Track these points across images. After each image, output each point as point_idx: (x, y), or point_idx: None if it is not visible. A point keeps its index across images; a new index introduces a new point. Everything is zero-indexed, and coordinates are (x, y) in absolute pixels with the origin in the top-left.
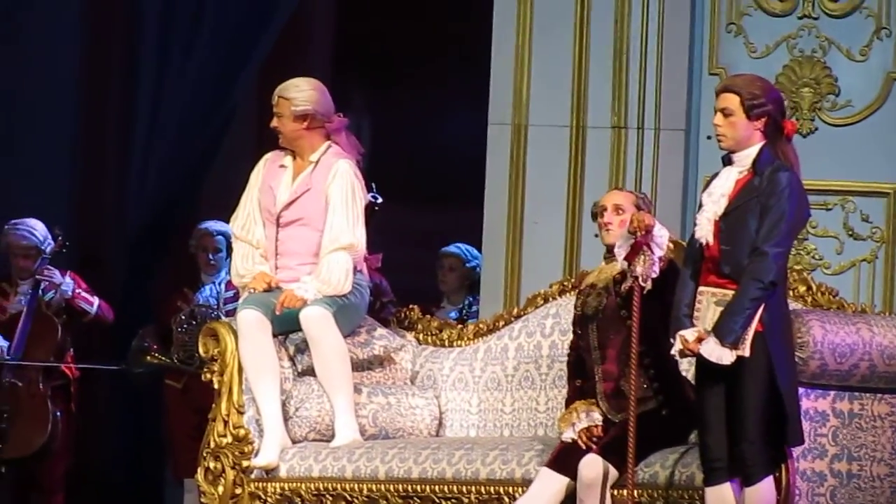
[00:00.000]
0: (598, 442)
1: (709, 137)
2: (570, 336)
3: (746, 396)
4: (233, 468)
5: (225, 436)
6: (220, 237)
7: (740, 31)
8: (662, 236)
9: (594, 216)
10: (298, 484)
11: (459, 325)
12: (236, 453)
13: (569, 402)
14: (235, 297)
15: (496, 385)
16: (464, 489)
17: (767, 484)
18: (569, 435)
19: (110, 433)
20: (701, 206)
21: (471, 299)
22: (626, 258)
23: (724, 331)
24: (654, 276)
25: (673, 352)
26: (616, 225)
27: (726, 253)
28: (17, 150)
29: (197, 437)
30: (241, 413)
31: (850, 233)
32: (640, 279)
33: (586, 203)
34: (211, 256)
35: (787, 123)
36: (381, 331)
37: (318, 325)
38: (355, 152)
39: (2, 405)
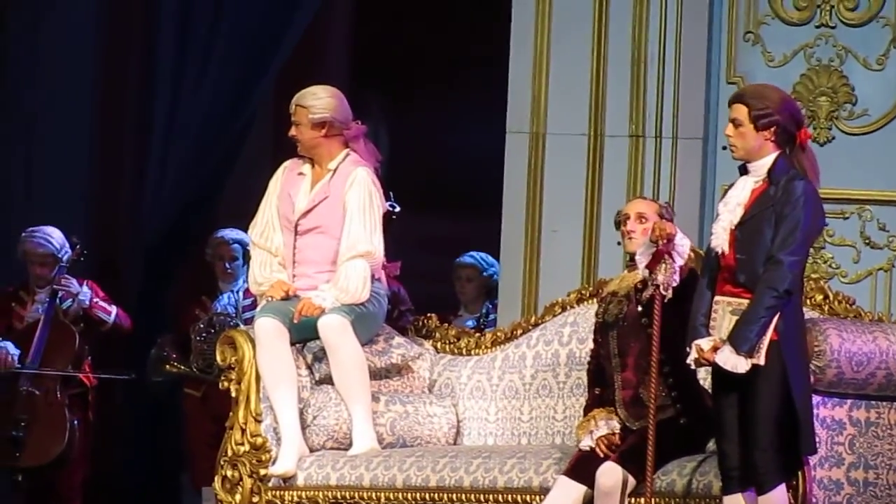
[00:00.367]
0: (616, 450)
1: (724, 148)
2: (588, 344)
3: (760, 405)
4: (250, 476)
5: (242, 444)
6: (236, 245)
7: (758, 39)
8: (684, 245)
9: (617, 224)
10: (316, 492)
11: (477, 334)
12: (254, 461)
13: (587, 409)
14: (253, 306)
15: (514, 393)
16: (481, 498)
17: (780, 492)
18: (587, 443)
19: (128, 442)
20: (718, 215)
21: (488, 307)
22: (647, 266)
23: (740, 339)
24: (675, 284)
25: (688, 361)
26: (639, 233)
27: (742, 262)
28: (35, 158)
29: (216, 446)
30: (258, 421)
31: (867, 241)
32: (661, 287)
33: (604, 211)
34: (227, 265)
35: (801, 132)
36: (398, 339)
37: (336, 333)
38: (373, 160)
39: (19, 414)
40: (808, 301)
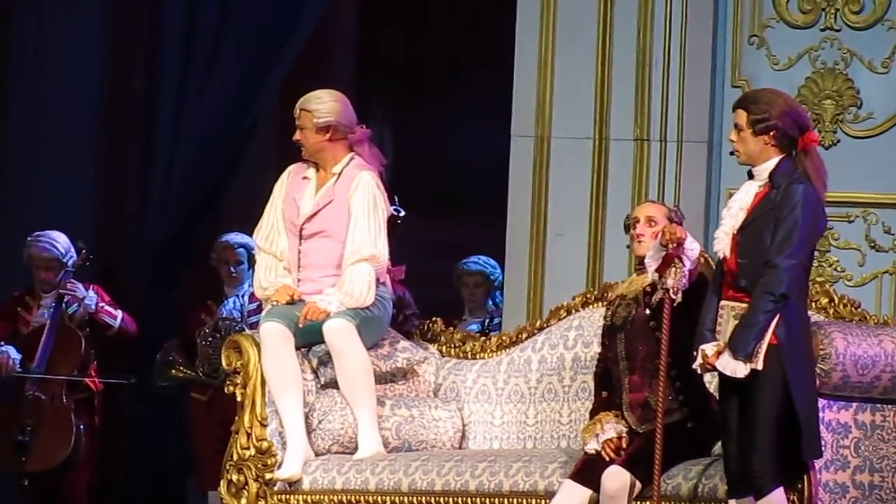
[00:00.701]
0: (622, 453)
1: (731, 153)
2: (594, 348)
3: (758, 408)
4: (256, 481)
5: (248, 448)
6: (241, 250)
7: (763, 43)
8: (693, 249)
9: (626, 227)
10: (321, 496)
11: (482, 338)
12: (259, 466)
13: (594, 413)
14: (259, 310)
15: (519, 397)
16: (487, 501)
17: (778, 496)
18: (592, 446)
19: (134, 446)
20: (721, 220)
21: (492, 310)
22: (656, 270)
23: (738, 344)
24: (684, 288)
25: (694, 366)
26: (648, 237)
27: (743, 266)
28: (40, 162)
29: (222, 450)
30: (263, 425)
31: (872, 245)
32: (670, 291)
33: (609, 215)
34: (232, 269)
35: (805, 136)
36: (404, 343)
37: (341, 337)
38: (378, 164)
39: (25, 418)
40: (813, 304)
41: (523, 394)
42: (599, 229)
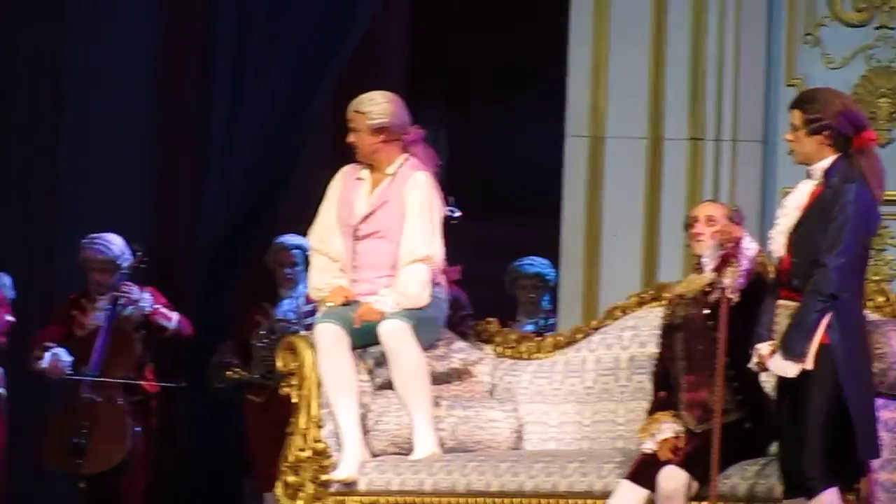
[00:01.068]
0: (679, 453)
1: (789, 152)
2: (650, 348)
3: (809, 408)
4: (312, 482)
5: (304, 450)
6: (296, 251)
7: (817, 41)
8: (751, 249)
9: (685, 226)
10: (377, 497)
11: (538, 338)
12: (315, 467)
13: (651, 412)
14: (314, 311)
15: (575, 397)
16: (543, 502)
17: (830, 496)
18: (649, 445)
19: (190, 448)
20: (776, 219)
21: (547, 311)
22: (714, 269)
23: (788, 344)
24: (741, 288)
25: (750, 365)
26: (707, 236)
27: (796, 265)
28: (94, 165)
29: (277, 452)
30: (319, 427)
31: None
32: (727, 291)
33: (663, 214)
34: (288, 271)
35: (861, 136)
36: (459, 344)
37: (397, 338)
38: (432, 164)
39: (81, 421)
40: (868, 303)
41: (579, 394)
42: (654, 229)
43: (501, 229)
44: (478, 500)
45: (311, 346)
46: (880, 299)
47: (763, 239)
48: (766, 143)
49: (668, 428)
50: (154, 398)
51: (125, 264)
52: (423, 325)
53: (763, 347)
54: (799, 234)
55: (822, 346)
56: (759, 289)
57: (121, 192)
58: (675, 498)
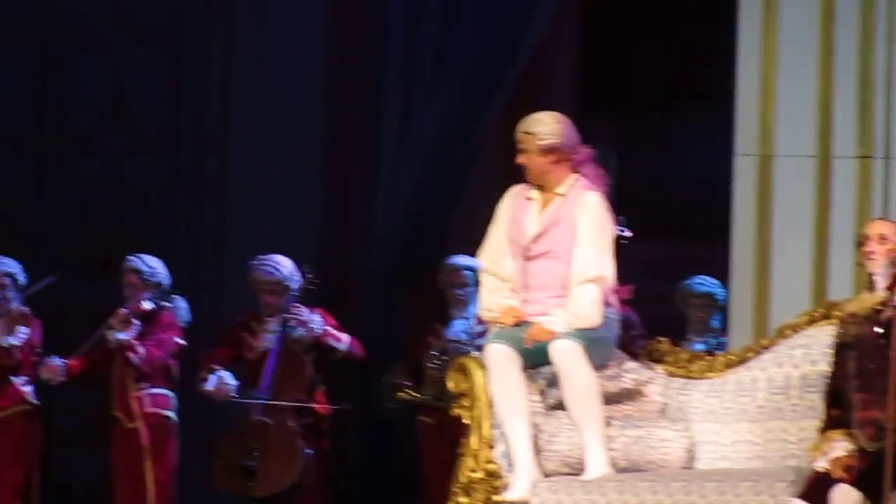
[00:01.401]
0: (852, 472)
1: None
2: (821, 367)
3: None
4: (484, 503)
5: (476, 471)
6: (467, 272)
7: None
8: None
9: (857, 245)
10: None
11: (709, 357)
12: (487, 488)
13: (823, 430)
14: (486, 332)
15: (747, 416)
16: None
17: None
18: (821, 464)
19: (362, 470)
20: None
21: (717, 330)
22: (887, 288)
23: None
24: None
25: None
26: (879, 254)
27: None
28: (264, 188)
29: (450, 473)
30: (491, 448)
31: None
32: None
33: (833, 233)
34: (459, 291)
35: None
36: (630, 363)
37: (569, 358)
38: (602, 184)
39: (252, 443)
40: None
41: (751, 413)
42: (824, 247)
43: (671, 248)
44: None
45: (483, 366)
46: None
47: None
48: None
49: (840, 446)
50: (325, 420)
51: (294, 286)
52: (595, 346)
53: None
54: None
55: None
56: None
57: (290, 213)
58: None
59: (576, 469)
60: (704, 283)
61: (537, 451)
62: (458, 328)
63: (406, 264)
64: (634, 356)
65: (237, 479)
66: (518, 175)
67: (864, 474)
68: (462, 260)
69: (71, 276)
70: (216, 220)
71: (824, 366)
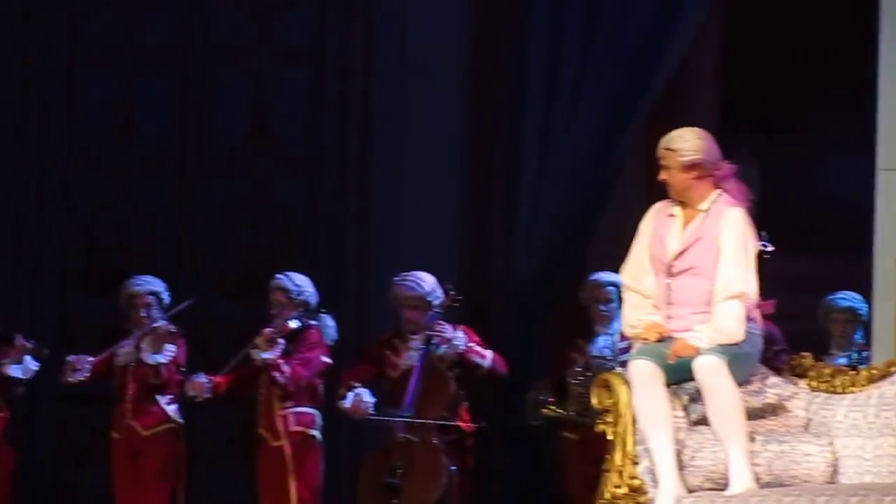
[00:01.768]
0: None
1: None
2: None
3: None
4: None
5: (620, 486)
6: (611, 288)
7: None
8: None
9: None
10: None
11: (852, 372)
12: None
13: None
14: (629, 348)
15: (890, 430)
16: None
17: None
18: None
19: (506, 487)
20: None
21: (860, 345)
22: None
23: None
24: None
25: None
26: None
27: None
28: (406, 206)
29: (594, 489)
30: (635, 464)
31: None
32: None
33: None
34: (603, 307)
35: None
36: (773, 378)
37: (712, 374)
38: (744, 199)
39: (396, 461)
40: None
41: (894, 427)
42: None
43: (813, 263)
44: None
45: (627, 382)
46: None
47: None
48: None
49: None
50: (469, 437)
51: (436, 302)
52: (738, 361)
53: None
54: None
55: None
56: None
57: (432, 231)
58: None
59: (719, 484)
60: (846, 298)
61: (681, 466)
62: (601, 344)
63: (549, 281)
64: (777, 371)
65: (381, 496)
66: (660, 191)
67: None
68: (605, 276)
69: (214, 295)
70: (358, 239)
71: None
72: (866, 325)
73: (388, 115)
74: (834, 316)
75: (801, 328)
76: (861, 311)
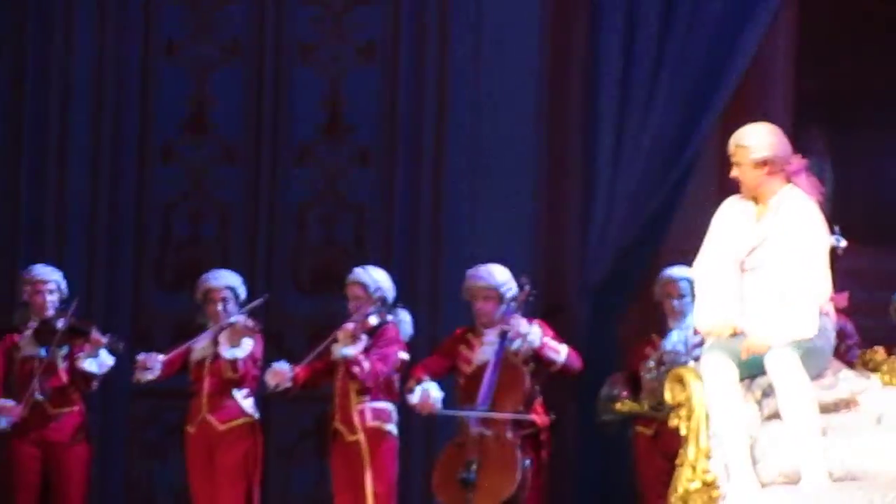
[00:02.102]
0: None
1: None
2: None
3: None
4: None
5: (693, 481)
6: (684, 283)
7: None
8: None
9: None
10: None
11: None
12: (705, 498)
13: None
14: (702, 343)
15: None
16: None
17: None
18: None
19: (579, 481)
20: None
21: None
22: None
23: None
24: None
25: None
26: None
27: None
28: (479, 201)
29: (667, 484)
30: (708, 458)
31: None
32: None
33: None
34: (676, 302)
35: None
36: (846, 373)
37: (785, 368)
38: (816, 194)
39: (470, 456)
40: None
41: None
42: None
43: (886, 258)
44: None
45: (700, 377)
46: None
47: None
48: None
49: None
50: (544, 431)
51: (508, 293)
52: (811, 356)
53: None
54: None
55: None
56: None
57: (506, 226)
58: None
59: (792, 479)
60: None
61: (754, 461)
62: (675, 339)
63: (623, 276)
64: (850, 365)
65: (456, 491)
66: (733, 187)
67: None
68: (678, 271)
69: (287, 290)
70: (432, 234)
71: None
72: None
73: (462, 110)
74: None
75: (872, 323)
76: None
